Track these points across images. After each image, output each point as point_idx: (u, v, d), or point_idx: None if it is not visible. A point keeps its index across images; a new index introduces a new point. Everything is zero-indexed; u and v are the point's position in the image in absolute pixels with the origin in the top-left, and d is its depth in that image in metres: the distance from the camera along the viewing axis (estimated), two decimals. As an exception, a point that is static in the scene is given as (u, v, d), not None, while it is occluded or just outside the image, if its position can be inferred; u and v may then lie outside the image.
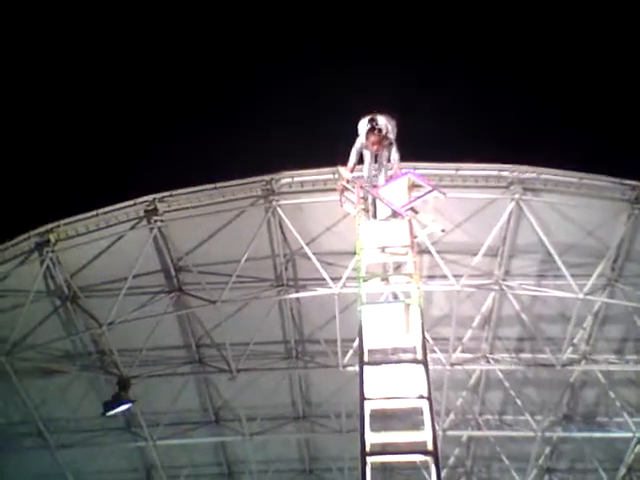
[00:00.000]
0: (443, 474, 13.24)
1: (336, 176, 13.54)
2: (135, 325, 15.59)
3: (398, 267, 12.95)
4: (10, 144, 22.97)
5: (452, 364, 16.66)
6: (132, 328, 15.63)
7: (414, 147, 13.12)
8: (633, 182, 14.32)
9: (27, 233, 14.52)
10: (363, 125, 12.21)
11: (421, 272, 14.04)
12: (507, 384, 17.32)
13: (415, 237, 12.03)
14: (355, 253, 11.84)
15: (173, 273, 15.86)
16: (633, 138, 21.58)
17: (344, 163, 12.60)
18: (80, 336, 16.23)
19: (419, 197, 12.27)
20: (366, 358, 10.24)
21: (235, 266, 15.15)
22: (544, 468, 19.05)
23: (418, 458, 10.04)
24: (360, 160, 12.52)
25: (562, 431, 18.06)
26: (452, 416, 18.00)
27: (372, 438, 9.58)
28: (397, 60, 23.29)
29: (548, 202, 14.62)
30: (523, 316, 16.13)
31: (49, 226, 14.58)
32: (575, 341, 16.43)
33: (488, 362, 17.15)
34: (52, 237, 14.59)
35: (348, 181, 12.59)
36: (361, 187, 12.37)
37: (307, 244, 15.12)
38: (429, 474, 9.54)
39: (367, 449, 9.46)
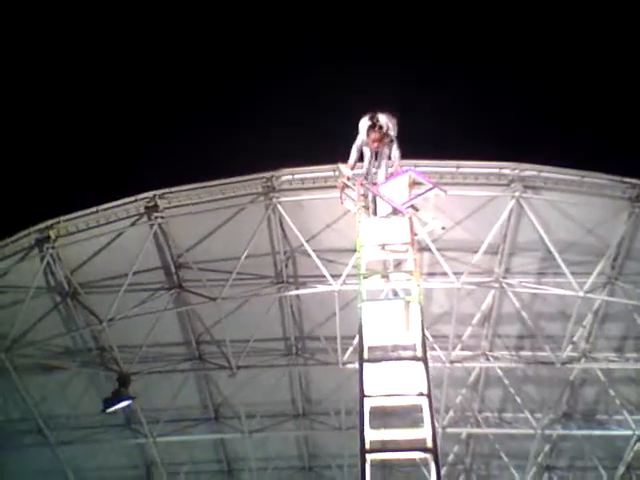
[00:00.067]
0: (442, 471, 13.25)
1: (336, 173, 13.56)
2: (135, 322, 15.60)
3: (398, 264, 12.93)
4: (10, 141, 22.99)
5: (452, 362, 16.67)
6: (132, 324, 15.65)
7: (415, 145, 13.14)
8: (633, 180, 14.33)
9: (27, 229, 14.53)
10: (364, 123, 12.20)
11: (421, 269, 14.06)
12: (507, 382, 17.33)
13: (415, 234, 12.04)
14: (355, 250, 11.83)
15: (173, 270, 15.86)
16: (633, 136, 21.60)
17: (344, 160, 12.60)
18: (80, 332, 16.24)
19: (420, 194, 12.27)
20: (366, 355, 10.25)
21: (235, 263, 15.15)
22: (543, 466, 19.06)
23: (418, 455, 10.07)
24: (361, 157, 12.51)
25: (562, 429, 18.08)
26: (451, 413, 18.02)
27: (372, 435, 9.59)
28: (397, 60, 23.31)
29: (548, 200, 14.62)
30: (523, 314, 16.13)
31: (49, 222, 14.58)
32: (575, 339, 16.43)
33: (488, 360, 17.15)
34: (52, 233, 14.61)
35: (349, 178, 12.58)
36: (362, 184, 12.36)
37: (307, 241, 15.12)
38: (428, 471, 9.55)
39: (367, 446, 9.46)
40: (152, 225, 14.83)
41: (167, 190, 14.70)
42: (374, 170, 12.50)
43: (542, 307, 16.23)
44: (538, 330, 16.31)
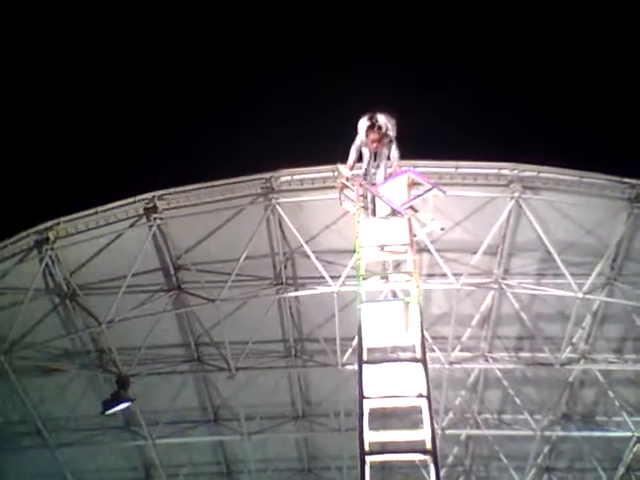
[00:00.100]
0: (442, 473, 13.26)
1: (336, 174, 13.54)
2: (134, 323, 15.58)
3: (397, 265, 12.91)
4: (10, 142, 22.97)
5: (451, 363, 16.66)
6: (131, 326, 15.62)
7: (414, 145, 13.12)
8: (633, 181, 14.32)
9: (26, 231, 14.51)
10: (363, 123, 12.19)
11: (420, 270, 14.03)
12: (506, 383, 17.31)
13: (414, 235, 12.04)
14: (354, 251, 11.81)
15: (172, 271, 15.84)
16: (633, 137, 21.60)
17: (343, 161, 12.59)
18: (79, 334, 16.22)
19: (419, 195, 12.27)
20: (365, 357, 10.23)
21: (234, 264, 15.13)
22: (543, 467, 19.05)
23: (417, 457, 10.02)
24: (360, 158, 12.50)
25: (561, 430, 18.05)
26: (451, 415, 18.00)
27: (371, 437, 9.57)
28: (397, 60, 23.31)
29: (547, 200, 14.61)
30: (522, 315, 16.12)
31: (48, 224, 14.56)
32: (574, 340, 16.42)
33: (487, 361, 17.14)
34: (51, 235, 14.59)
35: (348, 179, 12.56)
36: (361, 185, 12.34)
37: (306, 242, 15.11)
38: (428, 473, 9.54)
39: (366, 448, 9.44)
40: (151, 226, 14.81)
41: (166, 191, 14.68)
42: (373, 170, 12.49)
43: (541, 308, 16.22)
44: (537, 331, 16.30)
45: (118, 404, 15.78)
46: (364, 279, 11.13)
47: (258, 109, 23.98)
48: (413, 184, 12.44)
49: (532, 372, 17.26)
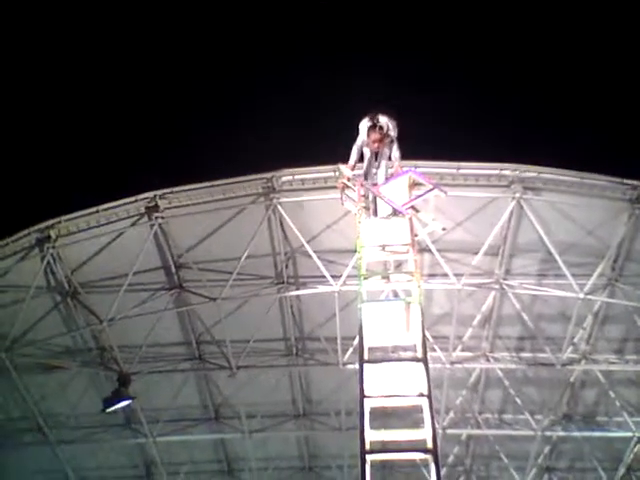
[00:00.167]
0: (442, 472, 13.24)
1: (337, 174, 13.56)
2: (135, 321, 15.61)
3: (399, 265, 12.94)
4: (11, 140, 23.00)
5: (452, 362, 16.67)
6: (132, 324, 15.66)
7: (415, 146, 13.13)
8: (634, 182, 14.32)
9: (28, 229, 14.53)
10: (364, 123, 12.20)
11: (422, 270, 14.04)
12: (507, 383, 17.32)
13: (416, 235, 12.04)
14: (356, 251, 11.83)
15: (173, 270, 15.86)
16: (634, 138, 21.59)
17: (345, 161, 12.60)
18: (80, 332, 16.24)
19: (420, 195, 12.28)
20: (366, 356, 10.24)
21: (235, 263, 15.15)
22: (543, 467, 19.05)
23: (418, 456, 10.04)
24: (361, 158, 12.51)
25: (562, 430, 18.05)
26: (452, 414, 18.01)
27: (372, 436, 9.59)
28: (398, 60, 23.33)
29: (549, 201, 14.62)
30: (523, 315, 16.13)
31: (50, 222, 14.59)
32: (575, 340, 16.42)
33: (488, 361, 17.15)
34: (53, 233, 14.61)
35: (349, 179, 12.58)
36: (362, 185, 12.35)
37: (308, 242, 15.12)
38: (429, 472, 9.55)
39: (367, 447, 9.46)
40: (152, 225, 14.83)
41: (168, 190, 14.70)
42: (374, 171, 12.51)
43: (542, 308, 16.22)
44: (538, 331, 16.31)
45: (119, 402, 15.80)
46: (365, 279, 11.14)
47: (259, 109, 24.02)
48: (414, 184, 12.45)
49: (533, 372, 17.27)
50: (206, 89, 24.92)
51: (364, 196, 12.37)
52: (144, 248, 14.93)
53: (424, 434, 9.57)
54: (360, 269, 11.24)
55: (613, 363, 16.73)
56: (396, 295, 13.35)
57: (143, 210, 14.72)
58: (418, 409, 9.78)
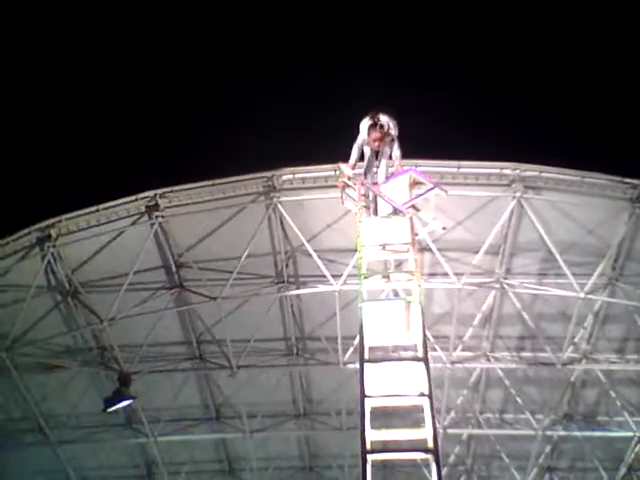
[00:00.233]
0: (443, 472, 13.23)
1: (337, 173, 13.55)
2: (136, 321, 15.61)
3: (399, 264, 12.90)
4: (11, 139, 23.00)
5: (453, 362, 16.66)
6: (133, 324, 15.65)
7: (416, 145, 13.12)
8: (634, 181, 14.32)
9: (28, 228, 14.53)
10: (365, 122, 12.19)
11: (422, 270, 14.06)
12: (508, 382, 17.31)
13: (416, 234, 12.01)
14: (356, 250, 11.81)
15: (174, 269, 15.86)
16: (634, 137, 21.58)
17: (345, 160, 12.59)
18: (81, 332, 16.23)
19: (420, 194, 12.25)
20: (367, 355, 10.22)
21: (236, 263, 15.15)
22: (544, 467, 19.05)
23: (419, 456, 10.02)
24: (362, 157, 12.49)
25: (562, 430, 18.05)
26: (453, 414, 18.00)
27: (373, 436, 9.57)
28: (399, 59, 23.32)
29: (549, 200, 14.61)
30: (524, 315, 16.12)
31: (50, 221, 14.58)
32: (576, 340, 16.42)
33: (489, 360, 17.14)
34: (53, 232, 14.61)
35: (349, 178, 12.56)
36: (362, 184, 12.34)
37: (308, 241, 15.11)
38: (429, 472, 9.54)
39: (368, 447, 9.44)
40: (153, 224, 14.82)
41: (168, 189, 14.70)
42: (375, 170, 12.49)
43: (543, 308, 16.21)
44: (539, 331, 16.30)
45: (120, 401, 15.79)
46: (366, 278, 11.13)
47: (260, 108, 24.02)
48: (415, 183, 12.43)
49: (534, 372, 17.25)
50: (207, 89, 24.95)
51: (364, 195, 12.35)
52: (144, 247, 14.93)
53: (425, 434, 9.54)
54: (360, 268, 11.23)
55: (614, 363, 16.72)
56: (396, 294, 13.36)
57: (143, 209, 14.72)
58: (419, 409, 9.76)
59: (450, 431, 17.99)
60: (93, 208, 14.61)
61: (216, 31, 24.53)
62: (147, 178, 16.24)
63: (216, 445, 19.21)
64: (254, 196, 14.81)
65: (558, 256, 14.77)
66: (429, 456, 9.43)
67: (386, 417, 11.41)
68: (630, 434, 17.30)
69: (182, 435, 18.13)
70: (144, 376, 16.43)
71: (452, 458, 19.03)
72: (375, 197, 12.24)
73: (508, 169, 14.42)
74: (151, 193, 14.65)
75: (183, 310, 16.47)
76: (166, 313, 16.10)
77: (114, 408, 15.88)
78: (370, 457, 9.40)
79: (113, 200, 14.63)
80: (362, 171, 12.56)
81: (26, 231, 14.52)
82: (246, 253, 15.02)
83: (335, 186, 13.19)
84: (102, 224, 14.73)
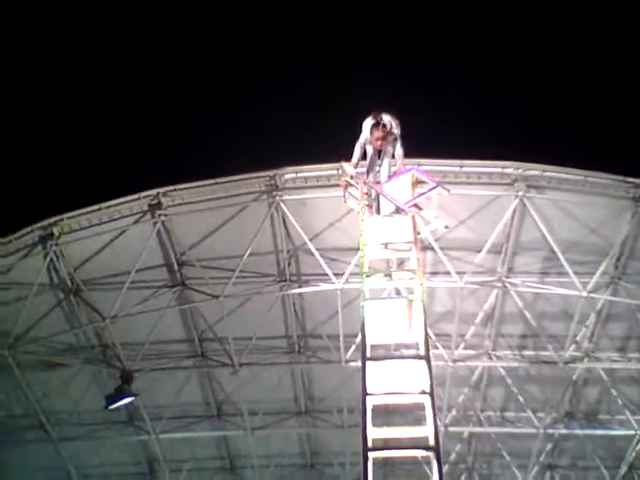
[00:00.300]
0: (444, 470, 13.25)
1: (340, 172, 13.55)
2: (138, 319, 15.63)
3: (401, 263, 12.90)
4: (14, 138, 23.03)
5: (454, 360, 16.68)
6: (135, 322, 15.68)
7: (418, 144, 13.12)
8: (637, 180, 14.32)
9: (31, 226, 14.55)
10: (368, 122, 12.19)
11: (424, 268, 14.03)
12: (509, 381, 17.34)
13: (418, 233, 12.00)
14: (358, 249, 11.81)
15: (176, 267, 15.88)
16: (637, 136, 21.59)
17: (348, 159, 12.59)
18: (83, 329, 16.26)
19: (423, 193, 12.24)
20: (368, 353, 10.23)
21: (238, 261, 15.16)
22: (545, 465, 19.07)
23: (420, 453, 10.04)
24: (364, 156, 12.49)
25: (564, 428, 18.07)
26: (454, 412, 18.02)
27: (374, 433, 9.57)
28: (400, 59, 23.33)
29: (552, 199, 14.61)
30: (526, 313, 16.13)
31: (53, 219, 14.60)
32: (578, 339, 16.43)
33: (490, 359, 17.15)
34: (56, 230, 14.62)
35: (352, 177, 12.56)
36: (365, 183, 12.35)
37: (310, 239, 15.13)
38: (431, 470, 9.56)
39: (369, 444, 9.44)
40: (155, 223, 14.83)
41: (170, 188, 14.71)
42: (377, 168, 12.49)
43: (545, 307, 16.22)
44: (541, 330, 16.31)
45: (121, 399, 15.83)
46: (368, 276, 11.13)
47: (262, 107, 24.02)
48: (417, 182, 12.41)
49: (535, 370, 17.27)
50: (209, 88, 24.98)
51: (367, 194, 12.34)
52: (147, 246, 14.94)
53: (426, 432, 9.54)
54: (362, 267, 11.23)
55: (616, 361, 16.74)
56: (398, 293, 13.37)
57: (146, 208, 14.73)
58: (420, 407, 9.76)
59: (451, 429, 18.02)
60: (96, 206, 14.63)
61: (219, 32, 24.58)
62: (150, 177, 16.30)
63: (217, 442, 19.24)
64: (257, 195, 14.82)
65: (560, 255, 14.77)
66: (430, 454, 9.43)
67: (387, 415, 11.43)
68: (631, 432, 17.33)
69: (184, 432, 18.16)
70: (146, 374, 16.46)
71: (453, 456, 19.05)
72: (377, 196, 12.24)
73: (510, 168, 14.42)
74: (154, 192, 14.66)
75: (185, 308, 16.48)
76: (168, 311, 16.12)
77: (116, 405, 15.92)
78: (371, 455, 9.39)
79: (116, 199, 14.64)
80: (365, 170, 12.55)
81: (29, 229, 14.54)
82: (248, 251, 15.04)
83: (337, 185, 13.20)
84: (104, 222, 14.74)
